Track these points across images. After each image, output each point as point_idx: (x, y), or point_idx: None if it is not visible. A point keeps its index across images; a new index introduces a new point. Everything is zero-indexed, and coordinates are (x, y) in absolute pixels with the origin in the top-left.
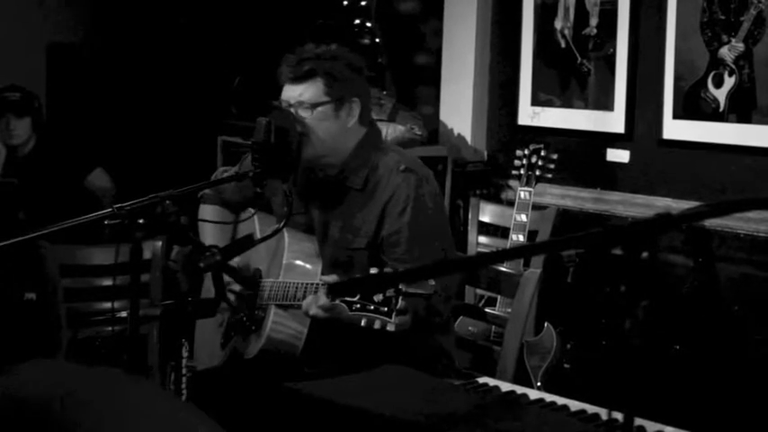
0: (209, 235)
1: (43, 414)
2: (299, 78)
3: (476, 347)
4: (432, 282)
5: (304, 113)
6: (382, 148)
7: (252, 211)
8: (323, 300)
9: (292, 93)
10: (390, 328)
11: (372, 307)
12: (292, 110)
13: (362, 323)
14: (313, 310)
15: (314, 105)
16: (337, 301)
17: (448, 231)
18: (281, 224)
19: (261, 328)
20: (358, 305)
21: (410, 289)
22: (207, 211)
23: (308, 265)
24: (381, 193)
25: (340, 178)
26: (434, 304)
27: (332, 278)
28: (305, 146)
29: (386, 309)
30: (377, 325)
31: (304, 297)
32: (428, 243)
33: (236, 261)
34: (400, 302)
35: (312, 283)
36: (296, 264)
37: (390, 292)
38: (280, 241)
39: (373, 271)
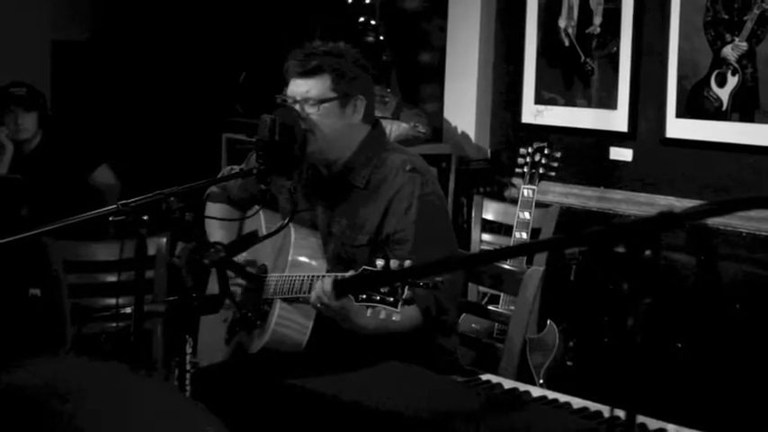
0: (217, 232)
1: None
2: (306, 73)
3: (479, 345)
4: (438, 279)
5: (310, 109)
6: (387, 148)
7: (257, 207)
8: (328, 289)
9: (299, 88)
10: (396, 318)
11: (378, 297)
12: (298, 105)
13: (368, 313)
14: (319, 302)
15: (320, 101)
16: None
17: (452, 232)
18: (286, 221)
19: (266, 323)
20: (364, 295)
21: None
22: (214, 209)
23: (313, 262)
24: (386, 190)
25: (343, 175)
26: (442, 300)
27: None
28: (309, 142)
29: (392, 299)
30: (382, 315)
31: (310, 289)
32: (434, 241)
33: (242, 257)
34: (406, 292)
35: (318, 276)
36: (302, 260)
37: (396, 282)
38: (286, 237)
39: (380, 263)
